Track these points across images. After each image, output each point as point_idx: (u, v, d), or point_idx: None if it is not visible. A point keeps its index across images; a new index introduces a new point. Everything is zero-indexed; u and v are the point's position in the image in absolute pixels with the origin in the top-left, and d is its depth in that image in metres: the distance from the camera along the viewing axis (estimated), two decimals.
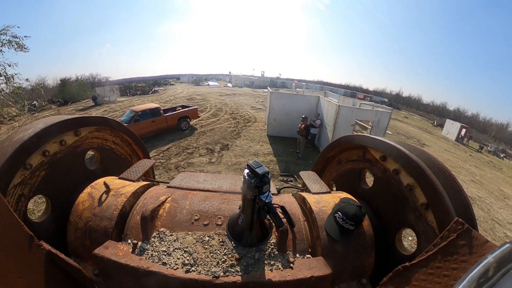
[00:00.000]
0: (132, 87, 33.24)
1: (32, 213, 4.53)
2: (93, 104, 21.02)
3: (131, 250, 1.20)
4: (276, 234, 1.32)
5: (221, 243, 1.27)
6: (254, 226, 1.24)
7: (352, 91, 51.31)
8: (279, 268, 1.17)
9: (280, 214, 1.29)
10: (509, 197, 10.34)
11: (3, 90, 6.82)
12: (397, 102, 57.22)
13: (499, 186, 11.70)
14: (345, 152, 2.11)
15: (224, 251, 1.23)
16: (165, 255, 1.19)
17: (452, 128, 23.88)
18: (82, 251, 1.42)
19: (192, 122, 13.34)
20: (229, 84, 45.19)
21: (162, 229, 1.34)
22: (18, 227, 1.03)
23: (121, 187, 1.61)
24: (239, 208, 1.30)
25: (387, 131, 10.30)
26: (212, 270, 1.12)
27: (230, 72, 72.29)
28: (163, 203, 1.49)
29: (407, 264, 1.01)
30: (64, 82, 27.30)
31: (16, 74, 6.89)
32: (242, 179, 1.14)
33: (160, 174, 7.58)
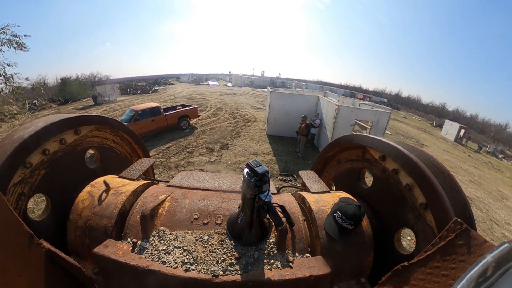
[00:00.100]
0: (132, 86, 33.20)
1: (32, 212, 4.53)
2: (93, 103, 20.99)
3: (130, 248, 1.20)
4: (276, 233, 1.32)
5: (220, 242, 1.27)
6: (254, 225, 1.24)
7: (352, 91, 51.37)
8: (279, 267, 1.17)
9: (279, 213, 1.29)
10: (507, 198, 10.37)
11: (3, 90, 6.80)
12: (397, 102, 57.31)
13: (497, 187, 11.74)
14: (344, 152, 2.11)
15: (224, 250, 1.23)
16: (164, 253, 1.19)
17: (451, 129, 23.97)
18: (82, 249, 1.42)
19: (192, 121, 13.31)
20: (229, 84, 45.11)
21: (161, 228, 1.34)
22: (18, 225, 1.03)
23: (121, 186, 1.61)
24: (239, 207, 1.30)
25: (386, 131, 10.31)
26: (212, 269, 1.12)
27: (230, 72, 72.10)
28: (163, 202, 1.49)
29: (405, 263, 1.02)
30: (65, 81, 27.33)
31: (15, 74, 6.87)
32: (242, 178, 1.14)
33: (160, 173, 7.58)
